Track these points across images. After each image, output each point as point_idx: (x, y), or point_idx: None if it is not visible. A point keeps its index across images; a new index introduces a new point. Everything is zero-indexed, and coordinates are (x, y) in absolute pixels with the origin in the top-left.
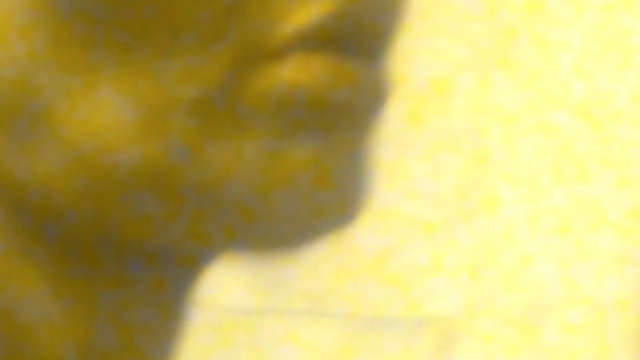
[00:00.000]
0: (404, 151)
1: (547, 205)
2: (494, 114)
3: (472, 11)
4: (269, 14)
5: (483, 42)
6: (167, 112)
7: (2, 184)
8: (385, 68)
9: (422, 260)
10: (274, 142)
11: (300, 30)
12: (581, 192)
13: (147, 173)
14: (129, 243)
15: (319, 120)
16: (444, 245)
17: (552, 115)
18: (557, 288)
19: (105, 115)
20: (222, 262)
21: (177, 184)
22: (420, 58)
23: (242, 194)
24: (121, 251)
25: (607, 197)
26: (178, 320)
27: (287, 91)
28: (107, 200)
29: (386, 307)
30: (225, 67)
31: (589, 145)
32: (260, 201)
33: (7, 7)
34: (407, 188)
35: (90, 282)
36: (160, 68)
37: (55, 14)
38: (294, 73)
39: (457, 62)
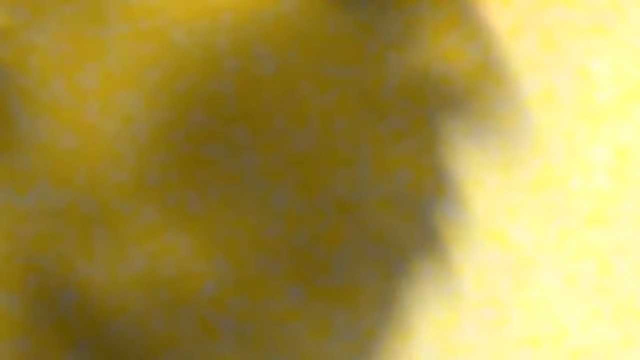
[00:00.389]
0: None
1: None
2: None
3: None
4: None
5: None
6: (248, 257)
7: (63, 275)
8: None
9: None
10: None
11: None
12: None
13: (195, 302)
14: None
15: None
16: None
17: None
18: None
19: (177, 251)
20: None
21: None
22: None
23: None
24: None
25: None
26: None
27: None
28: (153, 318)
29: None
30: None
31: None
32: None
33: (111, 135)
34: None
35: None
36: (252, 217)
37: (161, 150)
38: None
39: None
